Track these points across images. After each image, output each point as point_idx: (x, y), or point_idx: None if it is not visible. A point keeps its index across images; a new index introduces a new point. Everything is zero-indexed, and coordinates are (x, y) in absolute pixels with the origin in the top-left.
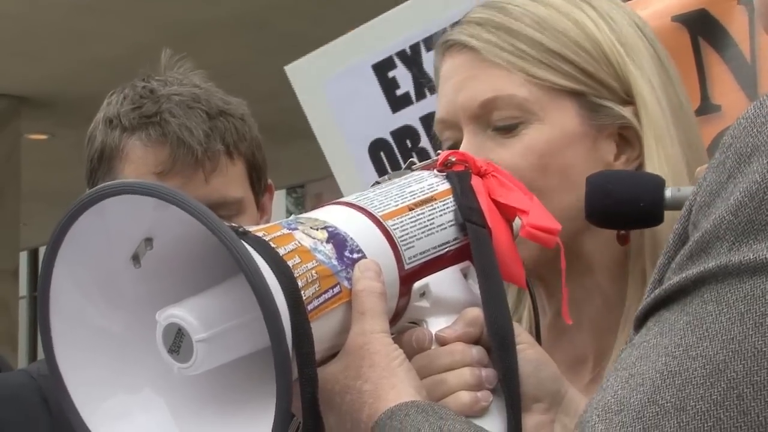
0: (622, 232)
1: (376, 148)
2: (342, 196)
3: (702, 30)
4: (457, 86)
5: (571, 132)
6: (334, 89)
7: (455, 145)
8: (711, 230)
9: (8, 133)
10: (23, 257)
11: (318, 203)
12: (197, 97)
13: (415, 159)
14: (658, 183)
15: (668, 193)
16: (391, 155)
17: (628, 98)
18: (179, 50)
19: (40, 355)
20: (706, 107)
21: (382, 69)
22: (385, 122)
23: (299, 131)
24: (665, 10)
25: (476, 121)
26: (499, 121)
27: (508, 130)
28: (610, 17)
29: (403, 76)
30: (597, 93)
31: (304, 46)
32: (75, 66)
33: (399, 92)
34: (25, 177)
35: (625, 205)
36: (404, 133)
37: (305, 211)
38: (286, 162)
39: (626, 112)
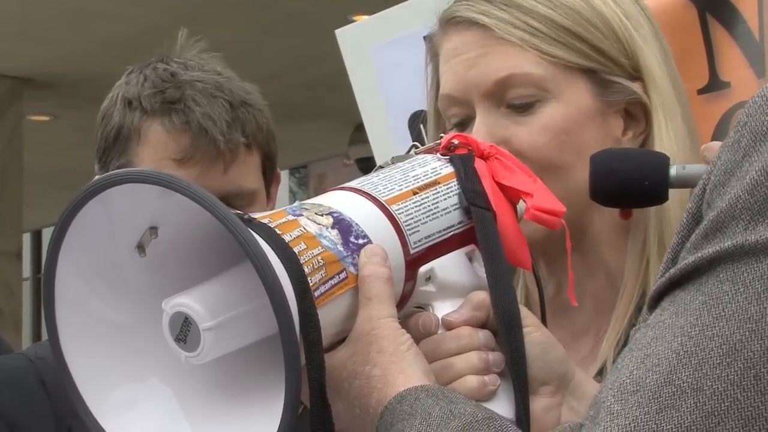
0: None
1: (416, 120)
2: (376, 165)
3: (710, 6)
4: (468, 63)
5: (585, 109)
6: (382, 57)
7: (462, 123)
8: (726, 209)
9: (11, 114)
10: (26, 239)
11: (321, 183)
12: (220, 86)
13: (417, 143)
14: (663, 161)
15: (673, 171)
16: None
17: (635, 74)
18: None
19: (44, 336)
20: (715, 84)
21: None
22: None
23: (302, 111)
24: None
25: (490, 98)
26: (516, 99)
27: (524, 108)
28: None
29: None
30: (608, 70)
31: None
32: (78, 46)
33: None
34: (27, 158)
35: (629, 183)
36: None
37: (308, 191)
38: (289, 142)
39: (635, 87)
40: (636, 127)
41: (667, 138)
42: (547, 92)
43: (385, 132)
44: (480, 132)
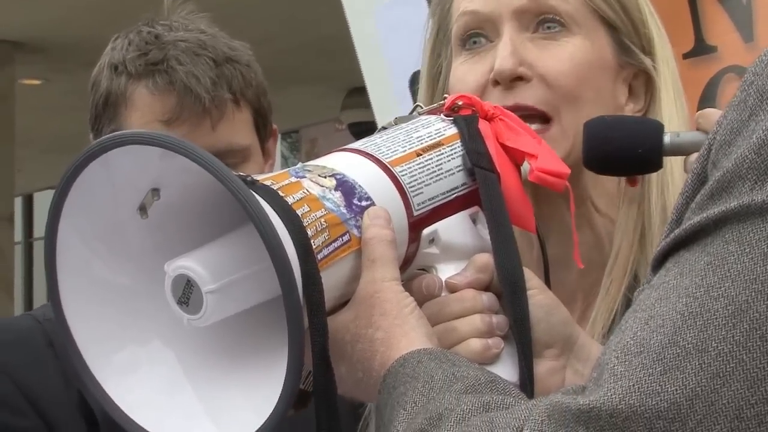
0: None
1: (417, 80)
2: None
3: None
4: None
5: (605, 58)
6: (385, 16)
7: (478, 37)
8: (732, 169)
9: (2, 78)
10: (18, 203)
11: (313, 148)
12: (203, 44)
13: (420, 103)
14: (657, 128)
15: (667, 138)
16: None
17: (648, 49)
18: None
19: (36, 301)
20: (700, 48)
21: None
22: None
23: (295, 76)
24: None
25: (519, 19)
26: (547, 23)
27: (553, 35)
28: None
29: None
30: (628, 34)
31: None
32: (69, 10)
33: None
34: (19, 122)
35: (623, 151)
36: None
37: (300, 156)
38: (281, 107)
39: (647, 61)
40: (635, 103)
41: (671, 116)
42: (576, 26)
43: (387, 93)
44: (506, 48)
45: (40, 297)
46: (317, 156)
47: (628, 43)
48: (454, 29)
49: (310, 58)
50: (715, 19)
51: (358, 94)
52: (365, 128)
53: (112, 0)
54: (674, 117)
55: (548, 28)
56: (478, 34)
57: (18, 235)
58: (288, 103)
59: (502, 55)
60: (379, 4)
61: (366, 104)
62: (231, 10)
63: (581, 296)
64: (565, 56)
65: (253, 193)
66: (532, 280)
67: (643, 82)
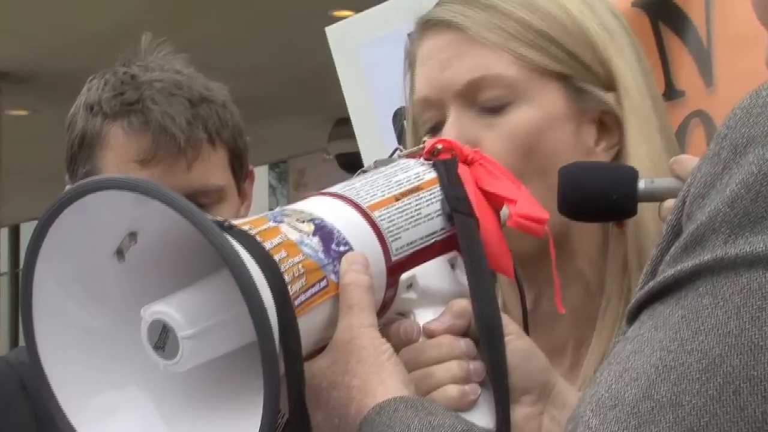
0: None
1: (399, 117)
2: (364, 165)
3: (662, 14)
4: (443, 65)
5: (557, 114)
6: (369, 53)
7: (436, 127)
8: (706, 222)
9: None
10: (4, 234)
11: (301, 178)
12: (179, 84)
13: (401, 147)
14: (631, 175)
15: (641, 185)
16: None
17: (610, 84)
18: (163, 25)
19: (22, 330)
20: (670, 93)
21: None
22: None
23: (282, 106)
24: None
25: (462, 100)
26: (487, 101)
27: (495, 110)
28: (592, 4)
29: None
30: (582, 77)
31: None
32: (57, 41)
33: None
34: (5, 153)
35: (597, 198)
36: None
37: (288, 186)
38: (269, 137)
39: (609, 98)
40: (609, 139)
41: (640, 150)
42: (518, 95)
43: (372, 128)
44: (450, 133)
45: None
46: (305, 186)
47: (583, 86)
48: (413, 113)
49: (298, 90)
50: (682, 64)
51: (345, 124)
52: (352, 159)
53: (101, 31)
54: (639, 151)
55: (491, 105)
56: (430, 119)
57: (4, 266)
58: (276, 134)
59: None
60: (364, 41)
61: (353, 135)
62: (219, 42)
63: (572, 348)
64: (506, 134)
65: (230, 238)
66: (510, 325)
67: (614, 115)
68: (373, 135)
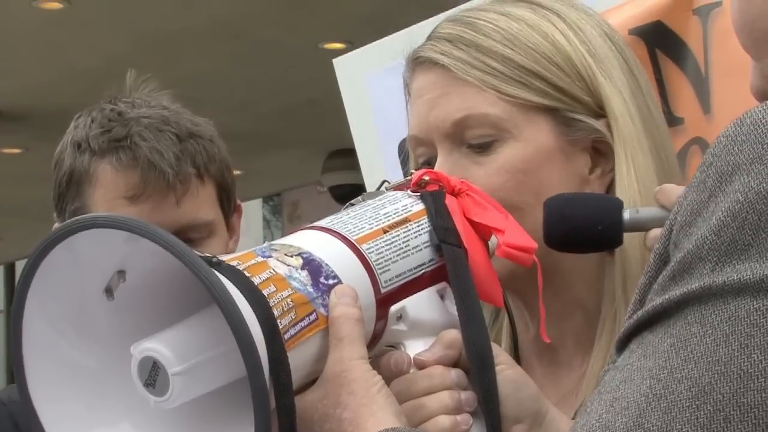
0: None
1: (404, 148)
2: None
3: (659, 42)
4: (430, 104)
5: (546, 148)
6: (376, 85)
7: (429, 162)
8: (693, 251)
9: None
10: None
11: (294, 211)
12: (166, 120)
13: (388, 180)
14: (616, 205)
15: (626, 215)
16: None
17: (600, 111)
18: (154, 60)
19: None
20: (669, 120)
21: None
22: None
23: (275, 140)
24: (622, 24)
25: (450, 139)
26: (473, 139)
27: (483, 148)
28: (579, 28)
29: None
30: (570, 108)
31: (279, 54)
32: (49, 78)
33: None
34: (0, 191)
35: (583, 229)
36: None
37: (282, 219)
38: (262, 171)
39: (599, 125)
40: (605, 164)
41: (627, 176)
42: (505, 132)
43: (377, 159)
44: (441, 171)
45: None
46: (299, 218)
47: (572, 116)
48: (407, 148)
49: (290, 123)
50: (681, 91)
51: (338, 156)
52: (346, 191)
53: (92, 68)
54: (627, 178)
55: (478, 143)
56: (422, 155)
57: (0, 303)
58: (269, 167)
59: None
60: (371, 72)
61: (346, 167)
62: (210, 77)
63: (576, 370)
64: (494, 170)
65: (218, 274)
66: (501, 355)
67: (606, 140)
68: (378, 167)
